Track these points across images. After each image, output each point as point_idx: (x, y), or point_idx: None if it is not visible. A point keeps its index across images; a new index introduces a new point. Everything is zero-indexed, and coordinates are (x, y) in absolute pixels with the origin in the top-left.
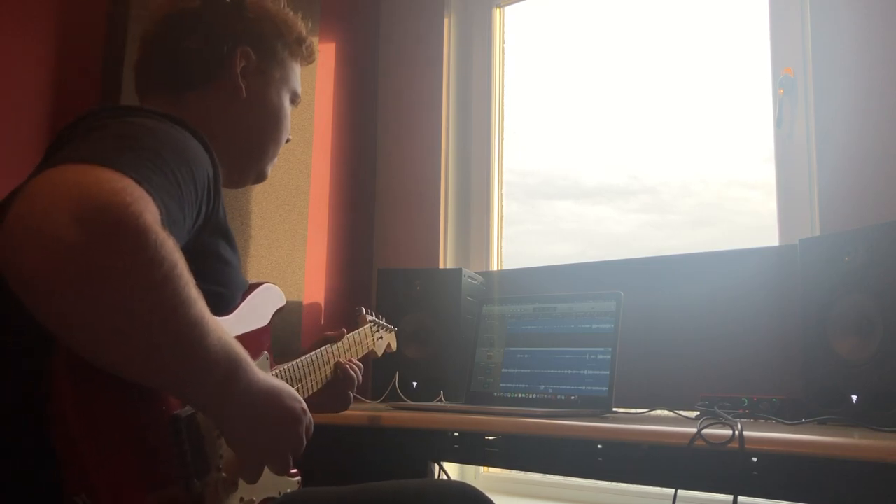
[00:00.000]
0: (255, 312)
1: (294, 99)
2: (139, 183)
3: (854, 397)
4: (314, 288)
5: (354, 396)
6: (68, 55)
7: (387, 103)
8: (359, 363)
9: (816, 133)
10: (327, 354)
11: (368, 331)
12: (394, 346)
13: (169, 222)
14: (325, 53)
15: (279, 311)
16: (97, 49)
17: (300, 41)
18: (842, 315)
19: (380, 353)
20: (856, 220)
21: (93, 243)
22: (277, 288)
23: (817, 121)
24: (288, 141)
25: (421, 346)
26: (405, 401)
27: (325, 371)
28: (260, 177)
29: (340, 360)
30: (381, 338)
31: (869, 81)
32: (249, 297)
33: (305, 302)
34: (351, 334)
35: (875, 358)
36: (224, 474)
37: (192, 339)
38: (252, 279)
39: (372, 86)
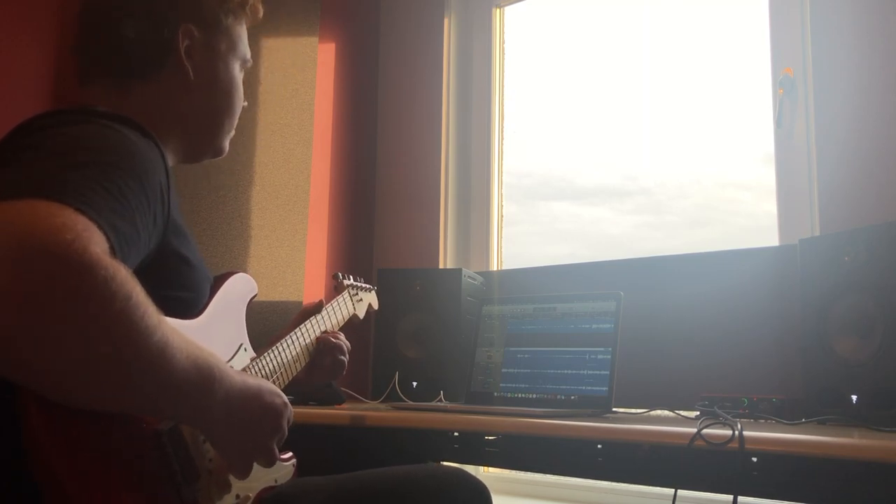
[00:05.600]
0: (226, 307)
1: (245, 63)
2: (82, 211)
3: (854, 397)
4: (314, 288)
5: (347, 392)
6: (68, 55)
7: (387, 103)
8: (338, 333)
9: (816, 133)
10: (308, 329)
11: (347, 296)
12: (375, 305)
13: (120, 244)
14: (325, 53)
15: (252, 299)
16: None
17: (242, 3)
18: (842, 315)
19: (362, 316)
20: (856, 220)
21: (35, 290)
22: (247, 276)
23: (817, 121)
24: (243, 107)
25: (421, 346)
26: (405, 401)
27: (307, 348)
28: (218, 152)
29: (319, 335)
30: (361, 300)
31: (869, 81)
32: (220, 292)
33: (305, 302)
34: (330, 303)
35: (875, 358)
36: (215, 476)
37: (159, 367)
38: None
39: (372, 86)
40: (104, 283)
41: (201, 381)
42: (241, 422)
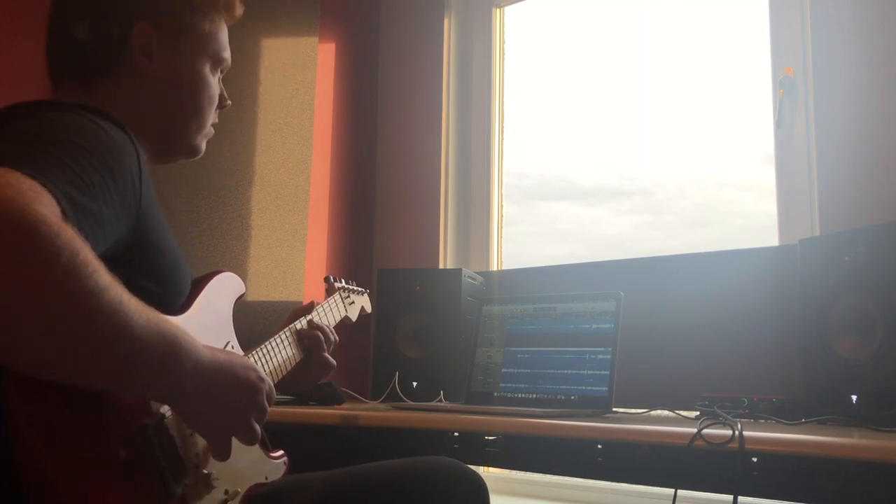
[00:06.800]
0: (212, 304)
1: (218, 63)
2: (31, 176)
3: (854, 397)
4: (314, 288)
5: (347, 392)
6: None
7: (387, 103)
8: (322, 325)
9: (816, 133)
10: (297, 331)
11: (339, 298)
12: (368, 308)
13: (76, 213)
14: (325, 53)
15: (240, 298)
16: None
17: (211, 1)
18: (842, 315)
19: (354, 318)
20: (856, 220)
21: None
22: (234, 275)
23: (817, 121)
24: (226, 107)
25: (421, 346)
26: (405, 401)
27: (295, 348)
28: (192, 151)
29: (302, 333)
30: (353, 302)
31: (869, 81)
32: (205, 289)
33: (305, 302)
34: (321, 305)
35: (875, 358)
36: (204, 470)
37: (114, 326)
38: (252, 279)
39: (372, 86)
40: (48, 238)
41: (166, 348)
42: (216, 396)
